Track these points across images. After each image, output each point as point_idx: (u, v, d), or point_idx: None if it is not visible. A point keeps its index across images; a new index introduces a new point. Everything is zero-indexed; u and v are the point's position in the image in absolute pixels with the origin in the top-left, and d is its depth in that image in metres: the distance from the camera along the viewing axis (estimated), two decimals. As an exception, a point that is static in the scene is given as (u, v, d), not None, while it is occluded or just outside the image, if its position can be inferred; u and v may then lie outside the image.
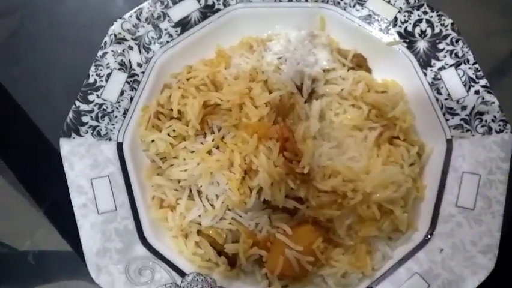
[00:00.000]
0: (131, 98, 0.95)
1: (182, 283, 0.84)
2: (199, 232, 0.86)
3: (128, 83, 0.95)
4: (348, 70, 0.99)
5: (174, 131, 0.91)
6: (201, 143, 0.90)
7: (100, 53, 0.95)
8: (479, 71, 0.94)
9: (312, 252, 0.82)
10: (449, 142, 0.92)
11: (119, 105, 0.93)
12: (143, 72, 0.97)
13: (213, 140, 0.88)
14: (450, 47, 0.97)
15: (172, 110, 0.92)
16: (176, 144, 0.90)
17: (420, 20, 0.99)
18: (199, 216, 0.87)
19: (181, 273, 0.84)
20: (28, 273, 0.99)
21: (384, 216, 0.88)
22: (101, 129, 0.91)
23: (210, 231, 0.85)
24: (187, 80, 0.96)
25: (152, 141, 0.91)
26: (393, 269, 0.86)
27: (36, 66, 1.14)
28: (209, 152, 0.88)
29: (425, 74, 0.97)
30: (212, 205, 0.86)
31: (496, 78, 1.12)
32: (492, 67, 1.16)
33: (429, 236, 0.87)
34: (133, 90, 0.95)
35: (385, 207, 0.87)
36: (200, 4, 1.02)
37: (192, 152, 0.89)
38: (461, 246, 0.85)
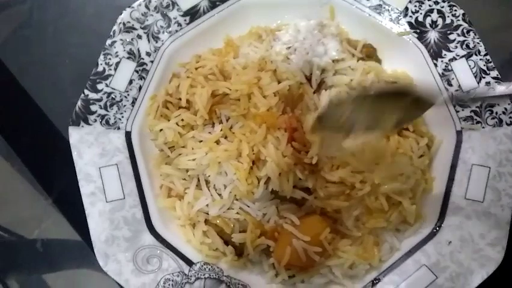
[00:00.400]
0: (140, 87, 0.94)
1: (189, 272, 0.84)
2: (206, 221, 0.87)
3: (137, 71, 0.95)
4: (357, 60, 0.98)
5: (182, 120, 0.90)
6: (209, 132, 0.90)
7: (108, 41, 0.94)
8: (490, 62, 0.93)
9: (319, 242, 0.82)
10: (459, 134, 0.91)
11: (128, 94, 0.93)
12: (152, 61, 0.97)
13: (221, 130, 0.88)
14: (461, 38, 0.96)
15: (180, 99, 0.91)
16: (185, 133, 0.90)
17: (431, 10, 0.98)
18: (207, 205, 0.87)
19: (189, 262, 0.85)
20: (36, 261, 0.99)
21: (392, 208, 0.88)
22: (109, 118, 0.91)
23: (218, 221, 0.86)
24: (196, 69, 0.95)
25: (161, 130, 0.91)
26: (401, 260, 0.86)
27: (46, 55, 1.14)
28: (217, 142, 0.88)
29: (436, 65, 0.96)
30: (220, 195, 0.86)
31: (506, 70, 1.11)
32: (502, 59, 1.15)
33: (437, 228, 0.86)
34: (141, 79, 0.95)
35: (393, 198, 0.87)
36: (209, -7, 1.01)
37: (200, 141, 0.89)
38: (469, 238, 0.84)
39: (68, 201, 0.98)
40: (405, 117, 0.76)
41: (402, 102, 0.73)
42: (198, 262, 0.85)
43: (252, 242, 0.84)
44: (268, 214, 0.85)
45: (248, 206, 0.86)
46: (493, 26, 1.16)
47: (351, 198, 0.84)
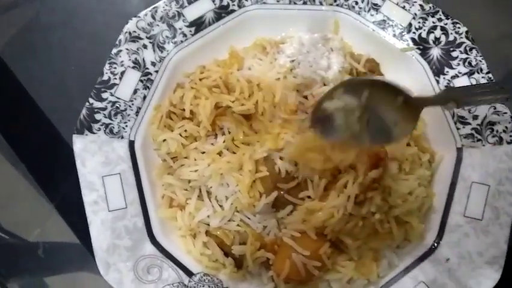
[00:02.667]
0: (144, 97, 0.95)
1: (189, 283, 0.85)
2: (207, 232, 0.87)
3: (141, 81, 0.96)
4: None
5: (186, 131, 0.91)
6: (212, 144, 0.90)
7: (114, 50, 0.95)
8: (492, 80, 0.94)
9: (318, 257, 0.82)
10: (460, 151, 0.92)
11: (132, 104, 0.94)
12: (156, 71, 0.97)
13: (224, 142, 0.89)
14: (464, 56, 0.97)
15: (184, 110, 0.92)
16: (188, 144, 0.91)
17: (434, 27, 0.99)
18: (208, 216, 0.87)
19: (189, 273, 0.85)
20: (37, 265, 1.00)
21: (398, 227, 0.88)
22: (113, 127, 0.92)
23: (218, 232, 0.86)
24: (200, 80, 0.96)
25: (164, 140, 0.92)
26: (399, 277, 0.86)
27: (52, 60, 1.15)
28: (220, 153, 0.89)
29: (438, 82, 0.97)
30: (221, 206, 0.87)
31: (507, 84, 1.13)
32: (504, 72, 1.16)
33: (436, 245, 0.87)
34: (146, 89, 0.96)
35: (401, 218, 0.87)
36: (215, 4, 1.02)
37: (203, 152, 0.90)
38: (467, 256, 0.85)
39: (71, 207, 0.99)
40: (401, 121, 0.77)
41: (394, 103, 0.75)
42: (198, 273, 0.86)
43: (252, 255, 0.84)
44: (269, 227, 0.86)
45: (249, 218, 0.86)
46: (494, 38, 1.17)
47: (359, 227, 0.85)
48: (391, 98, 0.76)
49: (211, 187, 0.87)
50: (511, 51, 1.19)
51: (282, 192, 0.86)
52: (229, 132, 0.90)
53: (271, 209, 0.86)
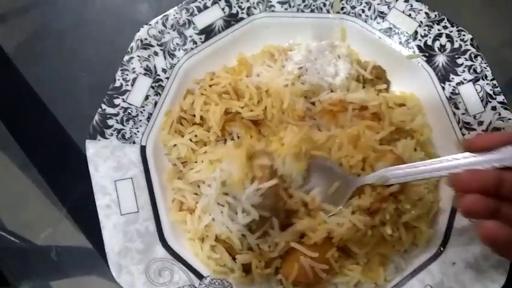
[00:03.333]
0: (156, 103, 0.97)
1: (199, 285, 0.86)
2: (216, 237, 0.88)
3: (152, 87, 0.97)
4: (363, 86, 1.02)
5: (196, 136, 0.93)
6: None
7: (126, 57, 0.97)
8: (496, 87, 0.95)
9: (326, 260, 0.84)
10: (465, 157, 0.93)
11: (144, 110, 0.96)
12: (167, 78, 0.99)
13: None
14: (469, 62, 0.98)
15: (194, 115, 0.94)
16: (197, 149, 0.93)
17: (440, 35, 1.01)
18: (213, 220, 0.88)
19: (199, 276, 0.87)
20: (49, 269, 1.01)
21: (407, 232, 0.89)
22: (125, 133, 0.93)
23: (226, 238, 0.87)
24: (210, 86, 0.98)
25: (175, 145, 0.94)
26: (406, 280, 0.87)
27: (63, 66, 1.17)
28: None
29: (443, 88, 0.98)
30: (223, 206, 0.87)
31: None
32: (506, 80, 1.17)
33: (442, 249, 0.88)
34: (157, 95, 0.98)
35: (410, 224, 0.88)
36: (224, 13, 1.04)
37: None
38: (473, 260, 0.86)
39: (82, 212, 1.01)
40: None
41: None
42: (208, 276, 0.87)
43: (259, 275, 0.86)
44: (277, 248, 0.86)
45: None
46: (498, 44, 1.19)
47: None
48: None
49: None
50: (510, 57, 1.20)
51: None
52: (238, 137, 0.92)
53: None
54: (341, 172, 0.87)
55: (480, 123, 0.94)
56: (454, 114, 0.96)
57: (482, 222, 0.68)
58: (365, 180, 0.85)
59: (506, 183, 0.67)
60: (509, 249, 0.68)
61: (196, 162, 0.93)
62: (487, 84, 0.96)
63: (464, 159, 0.73)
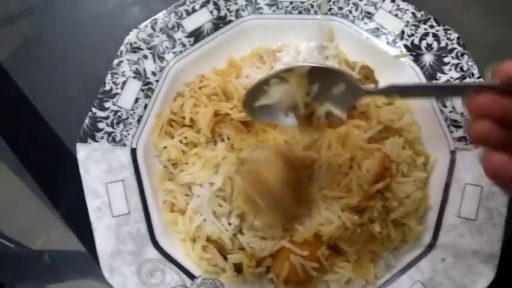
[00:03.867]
0: (145, 106, 0.98)
1: (191, 285, 0.87)
2: (207, 237, 0.89)
3: (142, 90, 0.98)
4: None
5: (186, 138, 0.94)
6: (212, 150, 0.93)
7: (116, 61, 0.98)
8: (482, 85, 0.96)
9: (316, 258, 0.84)
10: (453, 154, 0.94)
11: (134, 112, 0.97)
12: (157, 81, 1.00)
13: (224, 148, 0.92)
14: (455, 61, 0.99)
15: (184, 118, 0.95)
16: (188, 151, 0.94)
17: (426, 34, 1.02)
18: (204, 220, 0.89)
19: (191, 276, 0.88)
20: (43, 272, 1.02)
21: (396, 230, 0.90)
22: (116, 135, 0.94)
23: (217, 238, 0.88)
24: (199, 88, 0.99)
25: (165, 147, 0.95)
26: (396, 277, 0.88)
27: (54, 71, 1.18)
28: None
29: (431, 87, 0.99)
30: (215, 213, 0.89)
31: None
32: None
33: (431, 246, 0.89)
34: (147, 98, 0.98)
35: (398, 221, 0.89)
36: (213, 15, 1.05)
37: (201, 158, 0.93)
38: (462, 256, 0.87)
39: (74, 214, 1.02)
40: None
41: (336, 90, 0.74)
42: (199, 276, 0.88)
43: (251, 274, 0.87)
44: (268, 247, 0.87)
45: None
46: (490, 43, 1.20)
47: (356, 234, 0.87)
48: (333, 82, 0.74)
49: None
50: (507, 57, 1.21)
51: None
52: (228, 139, 0.93)
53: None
54: (346, 75, 0.75)
55: (467, 120, 0.95)
56: (442, 112, 0.97)
57: (489, 154, 0.64)
58: (373, 89, 0.81)
59: None
60: None
61: (186, 163, 0.93)
62: (474, 82, 0.97)
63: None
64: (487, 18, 1.24)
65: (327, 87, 0.74)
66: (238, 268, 0.89)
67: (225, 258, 0.88)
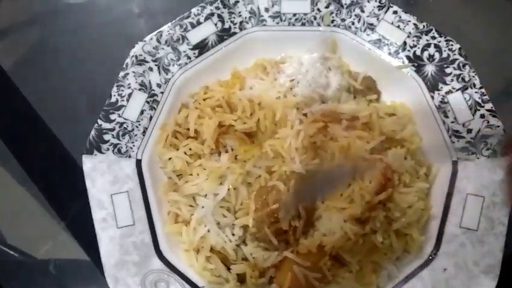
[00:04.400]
0: (151, 117, 0.99)
1: (195, 296, 0.88)
2: (211, 248, 0.90)
3: (148, 102, 1.00)
4: (354, 97, 1.03)
5: (190, 149, 0.95)
6: (216, 161, 0.94)
7: (121, 73, 0.99)
8: (485, 95, 0.97)
9: (319, 268, 0.85)
10: (455, 164, 0.95)
11: (139, 124, 0.98)
12: (162, 93, 1.01)
13: (228, 159, 0.93)
14: (457, 72, 1.00)
15: (188, 129, 0.96)
16: (192, 162, 0.95)
17: (428, 45, 1.03)
18: (208, 231, 0.90)
19: (195, 286, 0.89)
20: (48, 282, 1.03)
21: (398, 240, 0.91)
22: (121, 147, 0.96)
23: (221, 248, 0.89)
24: (204, 100, 1.00)
25: (170, 158, 0.96)
26: (398, 286, 0.89)
27: (61, 82, 1.19)
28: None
29: (433, 97, 1.00)
30: (219, 223, 0.91)
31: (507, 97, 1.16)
32: (502, 86, 1.19)
33: (433, 256, 0.90)
34: (152, 110, 1.00)
35: (401, 231, 0.90)
36: (217, 28, 1.06)
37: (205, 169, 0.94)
38: (464, 266, 0.88)
39: (80, 225, 1.03)
40: None
41: None
42: (203, 286, 0.89)
43: (254, 284, 0.88)
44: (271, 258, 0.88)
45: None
46: (491, 51, 1.21)
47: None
48: None
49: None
50: (508, 65, 1.22)
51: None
52: (232, 150, 0.94)
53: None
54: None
55: (469, 131, 0.96)
56: (444, 122, 0.98)
57: None
58: None
59: None
60: None
61: (191, 174, 0.94)
62: (476, 92, 0.98)
63: None
64: (487, 28, 1.25)
65: None
66: (241, 278, 0.90)
67: (228, 269, 0.89)
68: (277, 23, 1.08)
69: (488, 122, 0.95)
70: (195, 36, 1.06)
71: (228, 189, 0.90)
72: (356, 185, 0.88)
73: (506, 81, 1.20)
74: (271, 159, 0.91)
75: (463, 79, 0.99)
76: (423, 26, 1.04)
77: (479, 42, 1.20)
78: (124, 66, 1.00)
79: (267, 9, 1.08)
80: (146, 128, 0.98)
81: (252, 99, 0.98)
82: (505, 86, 1.20)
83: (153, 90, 1.01)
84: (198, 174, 0.94)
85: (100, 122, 0.96)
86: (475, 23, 1.23)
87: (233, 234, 0.89)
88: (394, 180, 0.90)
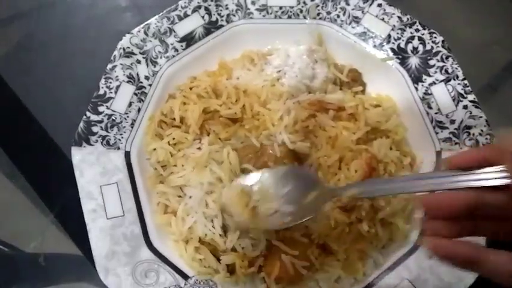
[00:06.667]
0: (139, 109, 1.00)
1: (185, 285, 0.89)
2: (200, 239, 0.91)
3: (136, 94, 1.00)
4: (340, 88, 1.05)
5: (174, 138, 0.96)
6: (198, 148, 0.94)
7: (109, 66, 1.00)
8: (467, 86, 0.99)
9: (307, 257, 0.87)
10: (438, 154, 0.97)
11: (128, 116, 0.98)
12: (150, 85, 1.02)
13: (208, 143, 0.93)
14: (440, 64, 1.02)
15: (174, 119, 0.97)
16: (176, 153, 0.95)
17: (412, 37, 1.05)
18: (195, 222, 0.91)
19: (185, 276, 0.89)
20: (37, 275, 1.03)
21: (384, 229, 0.92)
22: (110, 139, 0.96)
23: (210, 239, 0.90)
24: (190, 89, 1.01)
25: (154, 149, 0.97)
26: (384, 274, 0.90)
27: (49, 76, 1.19)
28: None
29: (417, 89, 1.02)
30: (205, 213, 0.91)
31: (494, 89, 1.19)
32: (491, 77, 1.22)
33: (418, 244, 0.91)
34: (140, 102, 1.00)
35: (386, 220, 0.92)
36: (204, 20, 1.07)
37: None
38: (448, 252, 0.89)
39: (70, 217, 1.03)
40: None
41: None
42: (193, 276, 0.90)
43: (243, 274, 0.89)
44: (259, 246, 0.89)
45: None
46: (480, 43, 1.23)
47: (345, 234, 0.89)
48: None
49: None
50: (497, 56, 1.25)
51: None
52: (215, 132, 0.95)
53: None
54: (318, 181, 0.86)
55: (452, 121, 0.98)
56: (427, 113, 1.00)
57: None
58: (343, 193, 0.81)
59: (481, 205, 0.62)
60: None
61: (175, 165, 0.95)
62: (458, 84, 1.00)
63: (439, 179, 0.68)
64: (475, 21, 1.27)
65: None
66: (231, 269, 0.90)
67: (218, 260, 0.90)
68: (264, 16, 1.09)
69: (471, 112, 0.97)
70: (182, 28, 1.06)
71: (214, 173, 0.90)
72: (342, 175, 0.90)
73: (492, 75, 1.23)
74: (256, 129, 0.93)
75: (446, 71, 1.01)
76: (407, 19, 1.06)
77: (465, 36, 1.22)
78: (112, 58, 1.00)
79: (253, 2, 1.09)
80: (135, 120, 0.99)
81: (238, 86, 1.00)
82: (490, 80, 1.23)
83: (141, 82, 1.01)
84: (182, 165, 0.94)
85: (88, 114, 0.96)
86: (461, 17, 1.25)
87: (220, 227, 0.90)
88: (379, 169, 0.91)
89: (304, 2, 1.09)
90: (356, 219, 0.88)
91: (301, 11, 1.09)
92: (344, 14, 1.08)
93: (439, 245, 0.63)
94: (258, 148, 0.92)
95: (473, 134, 0.96)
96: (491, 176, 0.62)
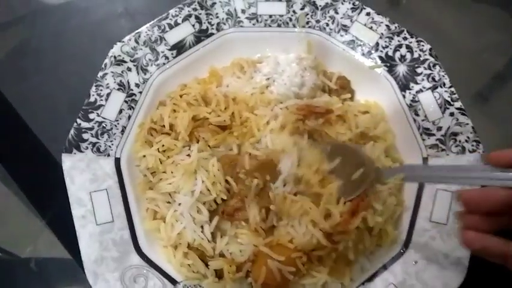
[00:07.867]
0: (129, 116, 1.01)
1: (173, 290, 0.90)
2: (188, 244, 0.92)
3: (126, 102, 1.01)
4: (329, 95, 1.06)
5: (163, 145, 0.97)
6: (187, 155, 0.95)
7: (100, 73, 1.01)
8: (454, 94, 1.00)
9: (293, 262, 0.87)
10: (425, 160, 0.98)
11: (118, 123, 1.00)
12: (140, 92, 1.03)
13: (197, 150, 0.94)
14: (428, 71, 1.03)
15: (164, 126, 0.98)
16: (165, 159, 0.96)
17: (400, 46, 1.06)
18: (184, 228, 0.92)
19: (173, 281, 0.90)
20: (30, 280, 1.04)
21: (373, 235, 0.93)
22: (100, 146, 0.97)
23: (198, 245, 0.91)
24: (180, 96, 1.02)
25: (144, 156, 0.98)
26: (370, 279, 0.91)
27: (41, 83, 1.21)
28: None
29: (404, 96, 1.03)
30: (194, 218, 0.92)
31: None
32: (485, 82, 1.23)
33: (404, 249, 0.92)
34: (130, 109, 1.01)
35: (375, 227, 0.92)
36: (194, 29, 1.09)
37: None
38: (434, 258, 0.90)
39: (61, 223, 1.03)
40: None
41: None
42: (181, 281, 0.90)
43: (231, 280, 0.90)
44: (246, 251, 0.90)
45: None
46: (475, 48, 1.24)
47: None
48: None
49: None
50: (491, 62, 1.26)
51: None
52: (204, 139, 0.96)
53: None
54: (366, 159, 0.91)
55: (439, 128, 0.99)
56: (415, 120, 1.01)
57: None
58: (388, 175, 0.90)
59: None
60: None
61: (164, 172, 0.96)
62: (445, 91, 1.01)
63: (478, 172, 0.70)
64: (466, 27, 1.29)
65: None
66: (219, 274, 0.91)
67: (207, 265, 0.91)
68: (254, 24, 1.11)
69: (457, 119, 0.98)
70: (173, 37, 1.08)
71: (203, 182, 0.91)
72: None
73: (481, 83, 1.24)
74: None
75: (433, 78, 1.02)
76: (395, 27, 1.07)
77: (455, 45, 1.23)
78: (103, 66, 1.02)
79: (243, 11, 1.10)
80: (125, 127, 1.00)
81: (227, 94, 1.01)
82: (480, 89, 1.24)
83: (131, 90, 1.03)
84: (172, 172, 0.95)
85: (79, 121, 0.97)
86: (453, 25, 1.26)
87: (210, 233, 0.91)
88: (368, 202, 0.91)
89: (293, 11, 1.11)
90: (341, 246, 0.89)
91: (290, 20, 1.11)
92: (332, 23, 1.10)
93: (475, 238, 0.68)
94: (234, 158, 0.94)
95: (460, 141, 0.97)
96: None
